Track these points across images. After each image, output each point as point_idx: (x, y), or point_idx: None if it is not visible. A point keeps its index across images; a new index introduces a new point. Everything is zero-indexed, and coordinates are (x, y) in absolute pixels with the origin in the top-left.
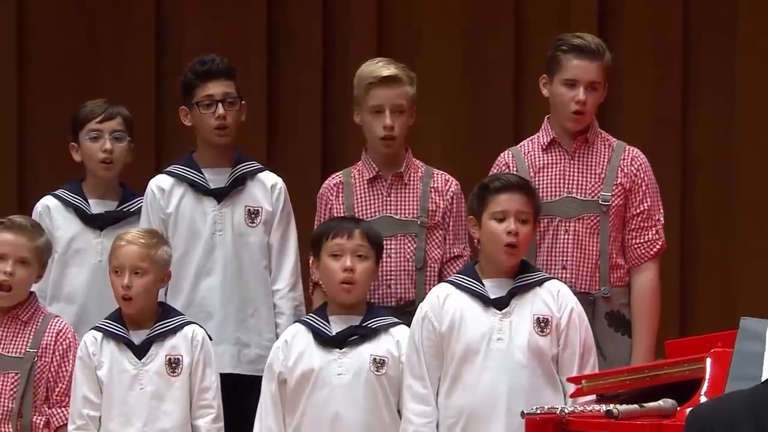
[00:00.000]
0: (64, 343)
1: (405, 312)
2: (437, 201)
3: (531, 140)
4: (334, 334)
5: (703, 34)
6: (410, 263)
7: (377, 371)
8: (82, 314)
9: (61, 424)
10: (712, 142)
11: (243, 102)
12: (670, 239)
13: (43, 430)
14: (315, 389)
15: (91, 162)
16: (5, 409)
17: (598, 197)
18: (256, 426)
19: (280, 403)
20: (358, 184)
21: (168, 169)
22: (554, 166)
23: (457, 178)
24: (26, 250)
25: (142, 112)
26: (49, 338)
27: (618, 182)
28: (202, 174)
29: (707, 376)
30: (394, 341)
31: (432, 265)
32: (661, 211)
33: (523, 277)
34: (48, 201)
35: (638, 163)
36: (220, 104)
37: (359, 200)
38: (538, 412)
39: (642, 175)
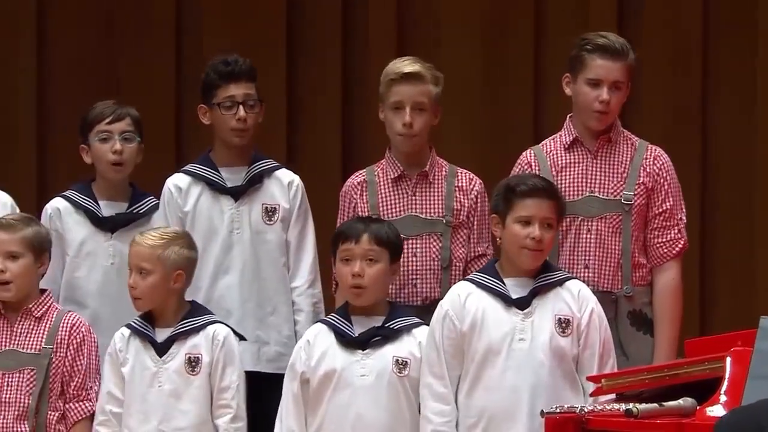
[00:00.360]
0: (78, 336)
1: (430, 311)
2: (462, 200)
3: (553, 139)
4: (356, 335)
5: (722, 33)
6: (435, 262)
7: (400, 372)
8: (94, 317)
9: (79, 418)
10: (732, 141)
11: (263, 104)
12: (690, 238)
13: (57, 426)
14: (337, 390)
15: (101, 163)
16: (22, 406)
17: (621, 196)
18: (276, 425)
19: (302, 403)
20: (382, 183)
21: (185, 168)
22: (576, 165)
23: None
24: (13, 244)
25: (161, 112)
26: (63, 333)
27: (640, 181)
28: (219, 173)
29: (727, 375)
30: (416, 342)
31: (457, 264)
32: (684, 210)
33: (544, 276)
34: (58, 203)
35: (660, 163)
36: (241, 106)
37: (384, 199)
38: (558, 411)
39: (664, 175)
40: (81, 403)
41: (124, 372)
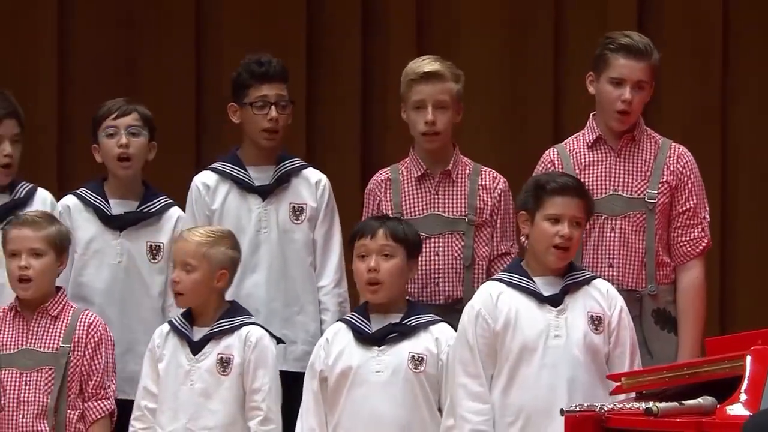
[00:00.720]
0: (95, 335)
1: (453, 310)
2: (485, 199)
3: (576, 138)
4: (373, 332)
5: (743, 32)
6: (458, 261)
7: (415, 369)
8: (100, 315)
9: (98, 417)
10: (753, 140)
11: (293, 105)
12: (711, 237)
13: (77, 425)
14: (353, 387)
15: (108, 160)
16: (41, 404)
17: (644, 195)
18: (298, 424)
19: (322, 402)
20: (405, 182)
21: (213, 165)
22: (600, 163)
23: None
24: (35, 241)
25: (181, 111)
26: (81, 332)
27: (664, 180)
28: (247, 171)
29: (747, 373)
30: (433, 339)
31: (480, 262)
32: (707, 208)
33: (573, 274)
34: (68, 201)
35: (684, 161)
36: (273, 107)
37: (407, 198)
38: (578, 409)
39: (688, 173)
40: (100, 402)
41: (160, 368)
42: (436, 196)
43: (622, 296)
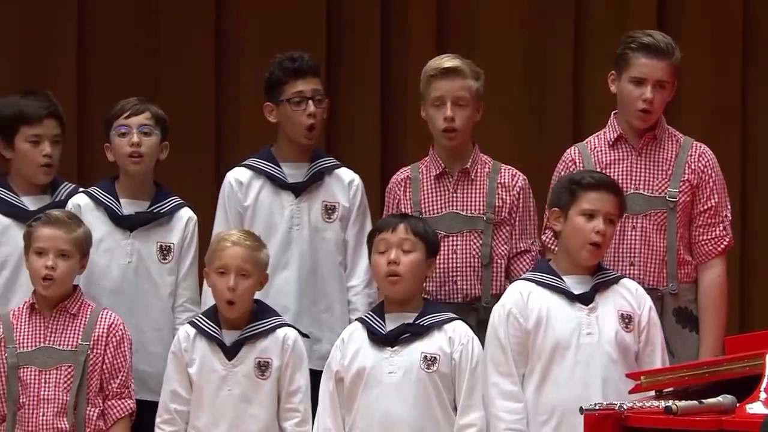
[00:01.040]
0: (117, 335)
1: (471, 308)
2: (504, 197)
3: (597, 136)
4: (386, 332)
5: (763, 31)
6: (476, 259)
7: (428, 369)
8: None
9: (121, 416)
10: None
11: (328, 100)
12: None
13: (97, 422)
14: (367, 388)
15: (119, 157)
16: (61, 402)
17: (665, 193)
18: (314, 425)
19: (338, 402)
20: (425, 180)
21: (246, 162)
22: (621, 162)
23: None
24: (65, 243)
25: (200, 112)
26: (101, 330)
27: (685, 178)
28: (281, 168)
29: (767, 372)
30: (447, 338)
31: (498, 261)
32: (729, 207)
33: (603, 273)
34: (80, 199)
35: (705, 160)
36: (310, 101)
37: (426, 196)
38: (597, 408)
39: (709, 172)
40: (123, 401)
41: (191, 373)
42: (454, 195)
43: None
